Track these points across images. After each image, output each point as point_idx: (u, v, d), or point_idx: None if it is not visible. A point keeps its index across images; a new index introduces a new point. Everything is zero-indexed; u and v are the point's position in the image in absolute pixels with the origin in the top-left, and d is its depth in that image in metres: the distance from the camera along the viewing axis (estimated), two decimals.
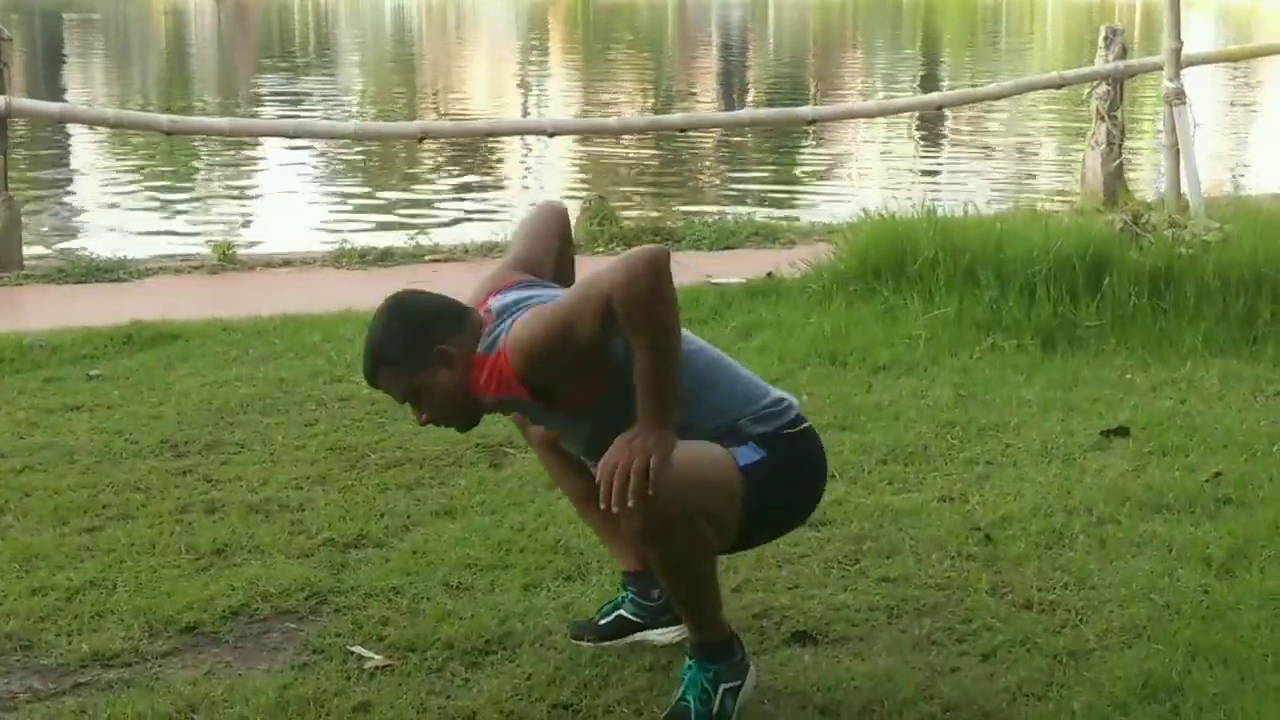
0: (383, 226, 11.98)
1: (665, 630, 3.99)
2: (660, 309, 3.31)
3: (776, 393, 3.65)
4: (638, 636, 4.00)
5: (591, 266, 3.96)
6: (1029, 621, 4.12)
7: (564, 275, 3.90)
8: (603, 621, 4.03)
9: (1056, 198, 12.54)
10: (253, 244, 10.98)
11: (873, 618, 4.16)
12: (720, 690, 3.57)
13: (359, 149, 16.06)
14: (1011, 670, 3.83)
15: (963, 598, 4.27)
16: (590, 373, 3.46)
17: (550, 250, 3.91)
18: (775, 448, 3.51)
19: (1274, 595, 4.22)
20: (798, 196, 14.55)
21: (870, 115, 16.28)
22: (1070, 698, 3.67)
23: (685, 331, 3.60)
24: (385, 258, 9.64)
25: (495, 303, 3.64)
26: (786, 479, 3.55)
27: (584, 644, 3.98)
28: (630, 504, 3.25)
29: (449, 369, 3.53)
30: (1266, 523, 4.77)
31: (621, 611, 4.02)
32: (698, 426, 3.45)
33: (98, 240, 11.04)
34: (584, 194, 11.46)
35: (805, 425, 3.63)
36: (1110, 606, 4.20)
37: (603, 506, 3.30)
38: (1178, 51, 9.91)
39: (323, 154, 15.84)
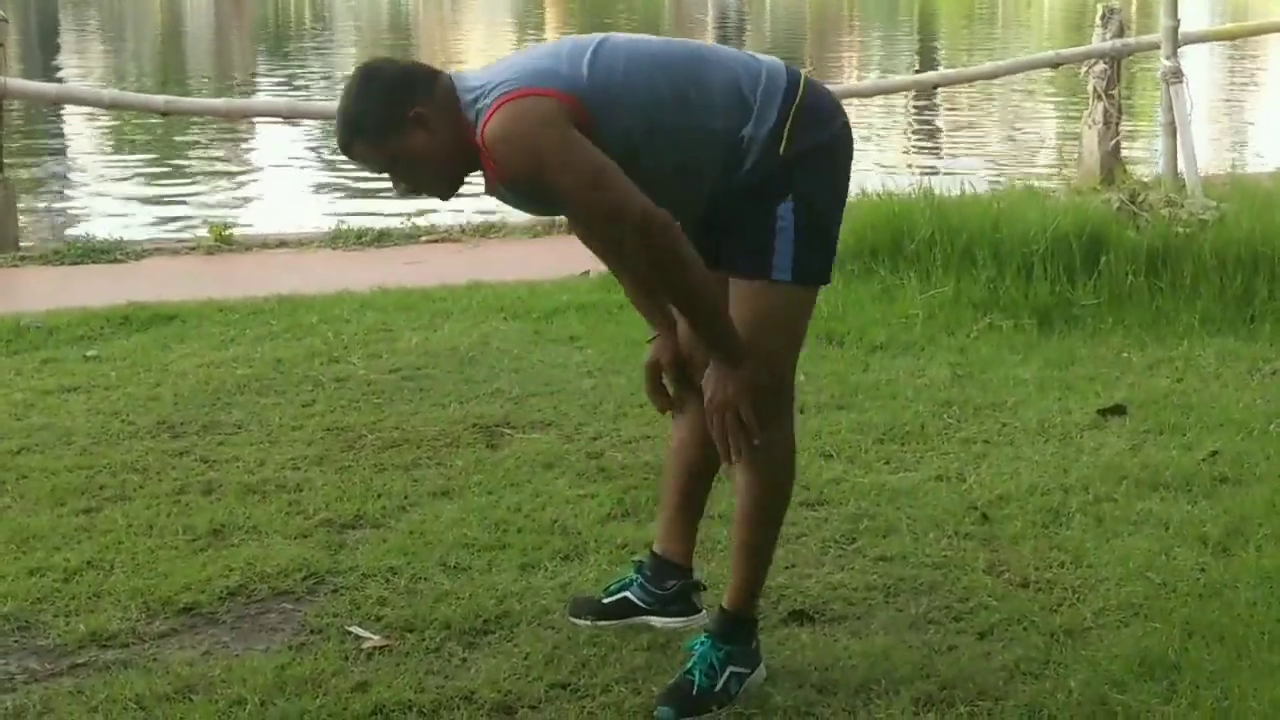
0: (379, 208, 11.96)
1: (670, 619, 3.97)
2: (676, 271, 3.31)
3: (758, 69, 3.51)
4: (639, 619, 3.99)
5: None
6: (1026, 600, 4.12)
7: None
8: (606, 600, 4.02)
9: (1054, 177, 12.51)
10: (249, 225, 10.97)
11: (870, 596, 4.16)
12: (728, 670, 3.57)
13: None
14: (1008, 648, 3.83)
15: (959, 576, 4.28)
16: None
17: None
18: (798, 172, 3.44)
19: (1270, 573, 4.23)
20: None
21: (866, 94, 16.26)
22: (1067, 675, 3.67)
23: (653, 38, 3.58)
24: (382, 239, 9.64)
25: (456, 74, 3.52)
26: (823, 192, 3.53)
27: (582, 622, 3.97)
28: (744, 454, 3.45)
29: (425, 132, 3.40)
30: (1263, 501, 4.77)
31: (628, 594, 4.01)
32: (704, 131, 3.41)
33: (94, 222, 11.03)
34: None
35: (800, 87, 3.50)
36: (1107, 585, 4.21)
37: (726, 463, 3.54)
38: (1175, 30, 9.92)
39: (319, 135, 15.82)
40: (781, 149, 3.43)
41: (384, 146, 3.44)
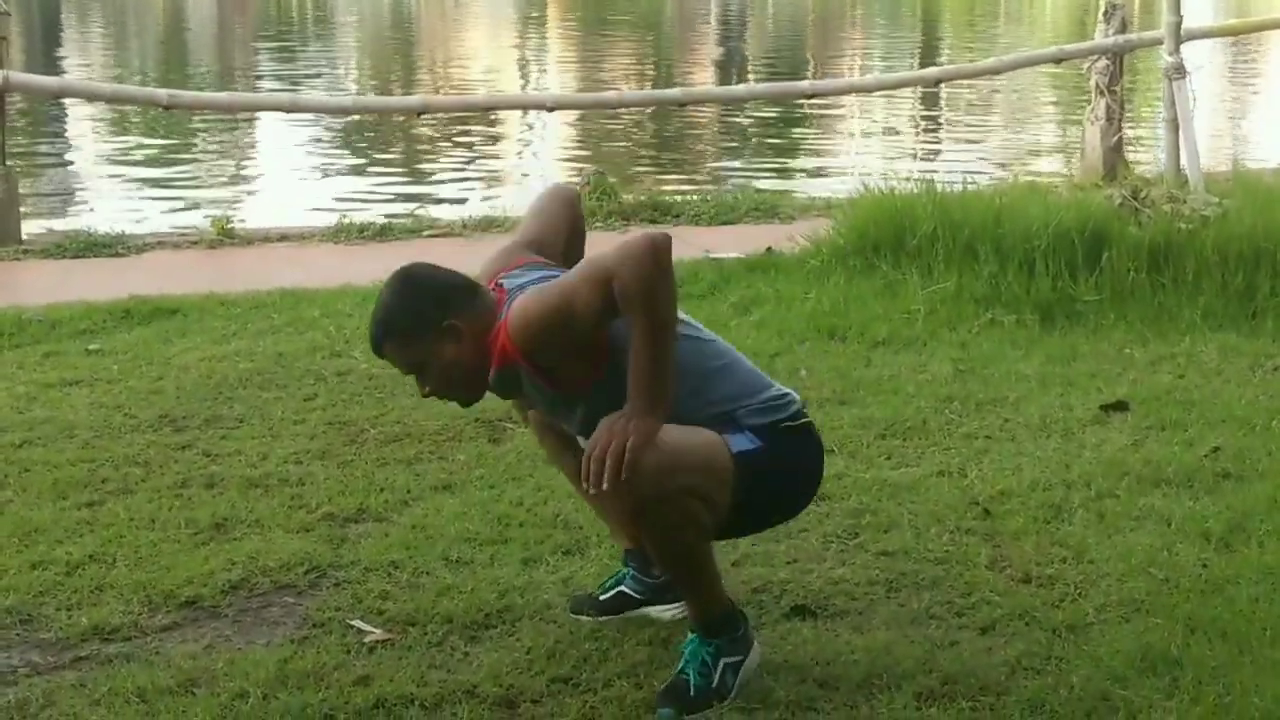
0: (382, 201, 11.96)
1: (667, 607, 3.99)
2: (657, 296, 3.34)
3: (779, 388, 3.67)
4: (638, 612, 4.00)
5: (591, 241, 3.99)
6: (1028, 595, 4.12)
7: (573, 259, 3.89)
8: (603, 596, 4.03)
9: (1056, 173, 12.51)
10: (251, 219, 10.96)
11: (872, 591, 4.16)
12: (721, 664, 3.58)
13: (358, 124, 16.07)
14: (1010, 644, 3.83)
15: (961, 572, 4.28)
16: (589, 354, 3.48)
17: (560, 233, 3.92)
18: (772, 440, 3.54)
19: (1272, 569, 4.23)
20: (797, 172, 14.54)
21: (869, 90, 16.23)
22: (1069, 671, 3.67)
23: (694, 320, 3.66)
24: (384, 233, 9.63)
25: (508, 281, 3.64)
26: (780, 473, 3.58)
27: (584, 618, 3.98)
28: (605, 487, 3.31)
29: (456, 343, 3.54)
30: (1265, 497, 4.77)
31: (623, 587, 4.03)
32: (694, 413, 3.46)
33: (96, 215, 11.03)
34: (583, 169, 11.44)
35: (805, 421, 3.65)
36: (1109, 580, 4.21)
37: (583, 485, 3.38)
38: (1177, 25, 9.91)
39: (322, 129, 15.83)
40: (758, 435, 3.54)
41: (413, 351, 3.58)
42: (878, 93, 17.51)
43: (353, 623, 3.97)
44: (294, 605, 4.12)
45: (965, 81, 18.32)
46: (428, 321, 3.54)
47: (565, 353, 3.48)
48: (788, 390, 3.68)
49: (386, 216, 10.30)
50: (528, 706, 3.55)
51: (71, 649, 3.84)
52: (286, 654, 3.77)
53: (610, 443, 3.31)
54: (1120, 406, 5.75)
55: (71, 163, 14.80)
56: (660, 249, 3.34)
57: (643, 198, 10.50)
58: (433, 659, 3.78)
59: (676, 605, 3.96)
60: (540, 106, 13.61)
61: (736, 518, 3.56)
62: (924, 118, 18.77)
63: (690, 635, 3.64)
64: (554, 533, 4.55)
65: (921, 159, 14.66)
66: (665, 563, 3.57)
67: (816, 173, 14.31)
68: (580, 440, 3.68)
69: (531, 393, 3.66)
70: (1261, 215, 7.58)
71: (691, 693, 3.54)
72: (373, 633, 3.91)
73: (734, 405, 3.55)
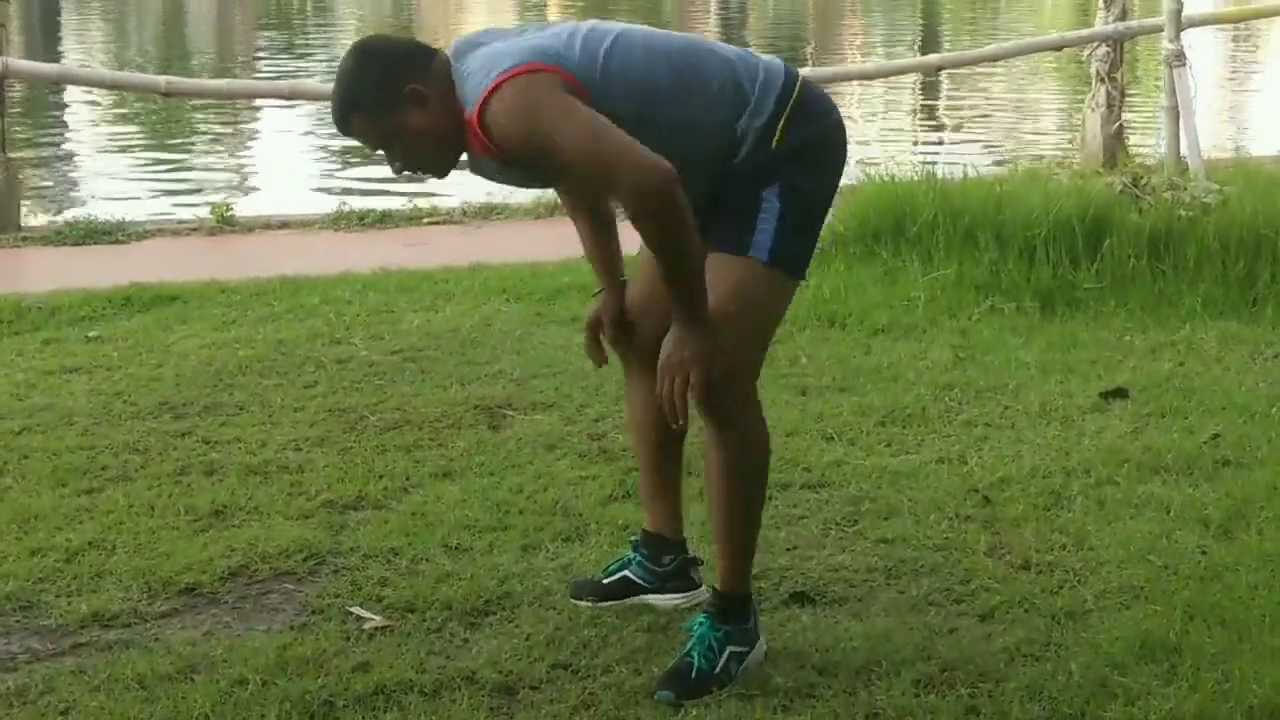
0: (381, 189, 11.95)
1: (670, 597, 3.99)
2: (673, 226, 3.27)
3: (756, 64, 3.55)
4: (639, 599, 4.00)
5: None
6: (1027, 582, 4.12)
7: None
8: (606, 581, 4.03)
9: (1056, 160, 12.50)
10: (251, 206, 10.96)
11: (871, 578, 4.16)
12: (727, 651, 3.58)
13: None
14: (1009, 630, 3.83)
15: (961, 559, 4.28)
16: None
17: None
18: (789, 164, 3.48)
19: (1272, 556, 4.23)
20: None
21: (869, 76, 16.25)
22: (1068, 658, 3.67)
23: (648, 29, 3.59)
24: (384, 220, 9.63)
25: (455, 43, 3.52)
26: (814, 164, 3.54)
27: (583, 603, 3.98)
28: (684, 423, 3.41)
29: (421, 109, 3.41)
30: (1264, 484, 4.77)
31: (627, 573, 4.02)
32: (700, 120, 3.44)
33: (96, 202, 11.02)
34: None
35: (799, 85, 3.54)
36: (1108, 567, 4.21)
37: (674, 425, 3.44)
38: (1178, 13, 9.90)
39: (321, 116, 15.80)
40: (774, 143, 3.48)
41: (381, 122, 3.44)
42: (878, 80, 17.51)
43: (352, 609, 3.97)
44: (293, 592, 4.12)
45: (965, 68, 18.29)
46: (391, 89, 3.40)
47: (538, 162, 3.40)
48: (761, 59, 3.57)
49: (386, 204, 10.29)
50: (527, 693, 3.55)
51: (71, 635, 3.84)
52: (286, 641, 3.78)
53: (674, 380, 3.34)
54: (1120, 394, 5.74)
55: (72, 150, 14.79)
56: (670, 183, 3.23)
57: None
58: (432, 645, 3.78)
59: (679, 596, 3.97)
60: None
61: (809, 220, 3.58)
62: (924, 104, 18.76)
63: (700, 618, 3.64)
64: (553, 519, 4.55)
65: (922, 146, 14.63)
66: (729, 492, 3.58)
67: None
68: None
69: (509, 176, 3.59)
70: (1262, 203, 7.57)
71: (694, 676, 3.53)
72: (372, 619, 3.91)
73: (734, 124, 3.47)
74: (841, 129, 3.63)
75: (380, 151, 3.51)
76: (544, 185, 3.79)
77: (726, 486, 3.59)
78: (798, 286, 3.63)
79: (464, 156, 3.51)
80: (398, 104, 3.41)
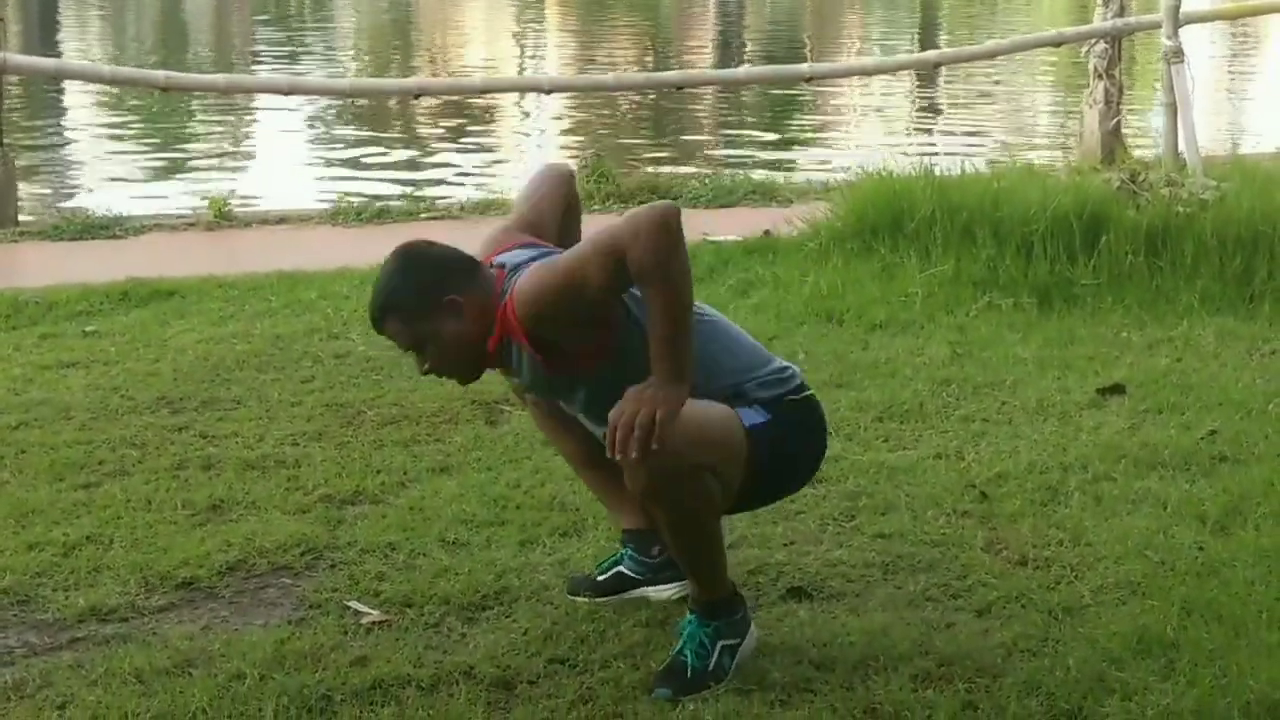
0: (379, 184, 11.95)
1: (664, 587, 3.99)
2: (672, 265, 3.33)
3: (780, 361, 3.68)
4: (636, 593, 4.01)
5: (590, 224, 3.98)
6: (1024, 578, 4.13)
7: (569, 238, 3.89)
8: (601, 577, 4.03)
9: (1055, 157, 12.50)
10: (249, 201, 10.96)
11: (868, 574, 4.17)
12: (719, 646, 3.58)
13: (355, 106, 16.04)
14: (1006, 626, 3.84)
15: (958, 554, 4.28)
16: (594, 333, 3.48)
17: (556, 213, 3.92)
18: (779, 413, 3.55)
19: (1269, 552, 4.23)
20: (795, 155, 14.52)
21: (868, 73, 16.23)
22: (1065, 653, 3.68)
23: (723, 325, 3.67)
24: (381, 215, 9.62)
25: (507, 259, 3.64)
26: (789, 444, 3.59)
27: (580, 599, 3.98)
28: (634, 456, 3.29)
29: (457, 320, 3.54)
30: (1261, 480, 4.78)
31: (621, 568, 4.03)
32: (702, 389, 3.46)
33: (94, 197, 11.01)
34: (581, 152, 11.43)
35: (808, 394, 3.66)
36: (1105, 563, 4.21)
37: (610, 455, 3.35)
38: (1176, 9, 9.89)
39: (319, 111, 15.81)
40: (767, 409, 3.56)
41: (414, 327, 3.58)
42: (877, 76, 17.49)
43: (349, 604, 3.97)
44: (291, 586, 4.12)
45: (964, 65, 18.30)
46: (428, 298, 3.54)
47: (570, 329, 3.48)
48: (789, 364, 3.70)
49: (384, 198, 10.29)
50: (524, 687, 3.55)
51: (68, 630, 3.85)
52: (283, 635, 3.78)
53: (638, 411, 3.30)
54: (1117, 390, 5.75)
55: (70, 145, 14.78)
56: (670, 218, 3.34)
57: (641, 180, 10.49)
58: (429, 640, 3.78)
59: (674, 586, 3.97)
60: (537, 89, 13.61)
61: (746, 492, 3.58)
62: (923, 100, 18.75)
63: (689, 616, 3.65)
64: (551, 515, 4.56)
65: (920, 142, 14.63)
66: (675, 541, 3.56)
67: (815, 156, 14.29)
68: (582, 419, 3.69)
69: (529, 374, 3.65)
70: (1260, 199, 7.58)
71: (688, 674, 3.54)
72: (369, 614, 3.91)
73: (741, 379, 3.56)
74: (818, 450, 3.74)
75: (409, 352, 3.65)
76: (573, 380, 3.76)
77: (669, 537, 3.59)
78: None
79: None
80: (434, 313, 3.54)
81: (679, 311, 3.35)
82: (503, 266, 3.63)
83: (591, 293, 3.39)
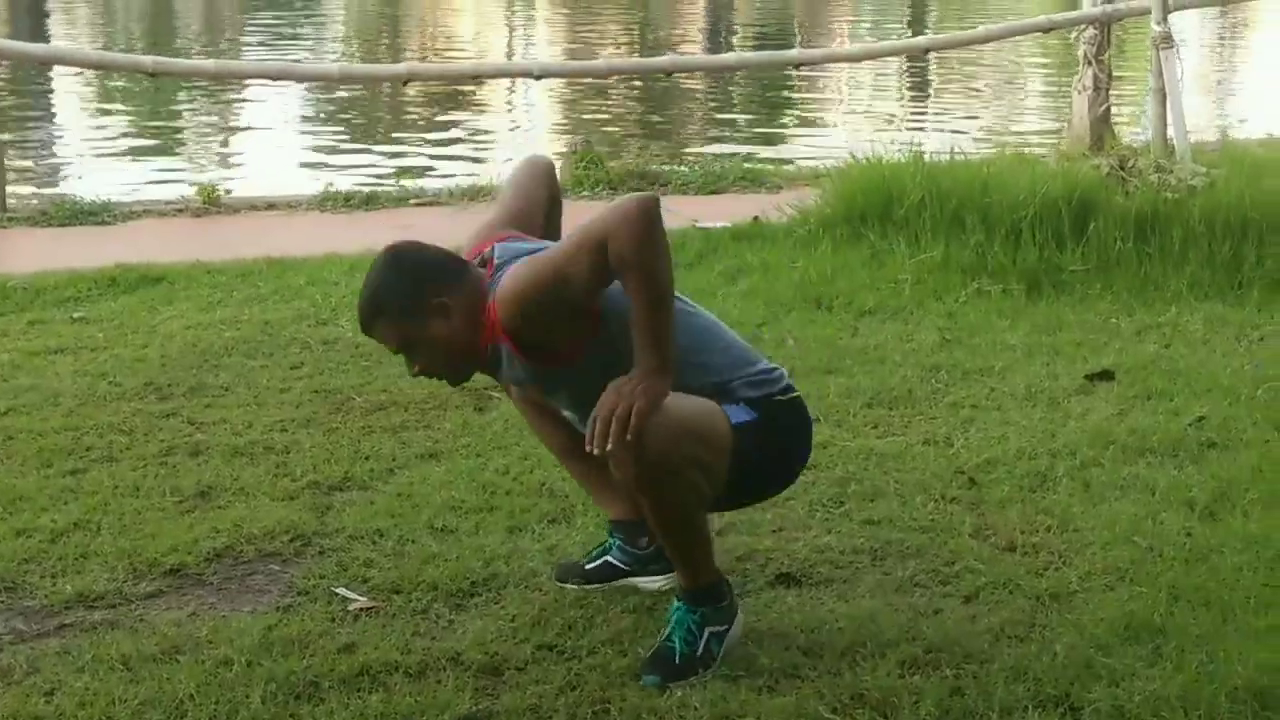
0: (368, 170, 11.93)
1: (653, 579, 3.99)
2: (653, 255, 3.34)
3: (768, 362, 3.69)
4: (624, 582, 4.00)
5: (579, 210, 3.99)
6: (1012, 564, 4.13)
7: (553, 231, 3.89)
8: (589, 566, 4.03)
9: (1044, 143, 12.50)
10: (237, 187, 10.94)
11: (856, 560, 4.17)
12: (706, 633, 3.58)
13: (344, 92, 16.01)
14: (994, 612, 3.84)
15: (946, 540, 4.28)
16: (579, 327, 3.47)
17: (539, 205, 3.91)
18: (765, 412, 3.55)
19: (1256, 538, 4.24)
20: (784, 141, 14.51)
21: (856, 59, 16.25)
22: (1053, 639, 3.68)
23: (683, 295, 3.64)
24: (370, 201, 9.61)
25: (497, 251, 3.63)
26: (774, 444, 3.60)
27: (569, 586, 3.99)
28: (612, 449, 3.30)
29: (446, 321, 3.53)
30: (1249, 466, 4.78)
31: (609, 558, 4.03)
32: (689, 386, 3.46)
33: (82, 183, 10.99)
34: (571, 138, 11.42)
35: (795, 395, 3.66)
36: (1093, 549, 4.22)
37: (590, 449, 3.34)
38: None
39: (308, 97, 15.79)
40: (754, 408, 3.56)
41: (403, 329, 3.56)
42: (866, 62, 17.49)
43: (337, 590, 3.97)
44: (279, 573, 4.12)
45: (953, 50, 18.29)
46: (418, 300, 3.53)
47: (554, 325, 3.48)
48: (776, 364, 3.70)
49: (373, 185, 10.27)
50: (512, 674, 3.55)
51: (56, 616, 3.84)
52: (271, 621, 3.77)
53: (618, 404, 3.30)
54: (1106, 376, 5.75)
55: (58, 131, 14.74)
56: (650, 209, 3.34)
57: (630, 167, 10.48)
58: (417, 627, 3.78)
59: (662, 577, 3.96)
60: (527, 74, 13.55)
61: (731, 490, 3.58)
62: (912, 86, 18.74)
63: (676, 602, 3.65)
64: (539, 501, 4.56)
65: (909, 129, 14.62)
66: (662, 530, 3.56)
67: (804, 142, 14.27)
68: (568, 414, 3.69)
69: (517, 373, 3.65)
70: (1248, 185, 7.59)
71: (676, 660, 3.54)
72: (357, 600, 3.91)
73: (728, 377, 3.56)
74: (804, 451, 3.75)
75: (398, 353, 3.65)
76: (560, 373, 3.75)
77: (657, 527, 3.58)
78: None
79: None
80: (423, 314, 3.53)
81: (659, 301, 3.36)
82: (490, 261, 3.62)
83: (575, 287, 3.39)
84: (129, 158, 13.01)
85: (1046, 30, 12.51)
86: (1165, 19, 9.74)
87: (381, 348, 5.94)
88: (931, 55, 16.66)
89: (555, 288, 3.40)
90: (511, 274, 3.49)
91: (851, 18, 30.23)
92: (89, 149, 13.42)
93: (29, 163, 12.65)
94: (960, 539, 4.29)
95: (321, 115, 15.29)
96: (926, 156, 8.30)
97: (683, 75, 16.30)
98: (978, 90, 18.20)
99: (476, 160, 12.82)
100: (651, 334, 3.35)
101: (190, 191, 9.88)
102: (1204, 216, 7.29)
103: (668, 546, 3.64)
